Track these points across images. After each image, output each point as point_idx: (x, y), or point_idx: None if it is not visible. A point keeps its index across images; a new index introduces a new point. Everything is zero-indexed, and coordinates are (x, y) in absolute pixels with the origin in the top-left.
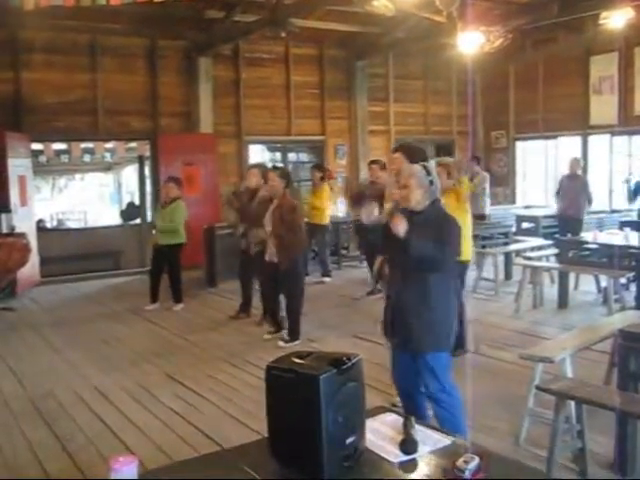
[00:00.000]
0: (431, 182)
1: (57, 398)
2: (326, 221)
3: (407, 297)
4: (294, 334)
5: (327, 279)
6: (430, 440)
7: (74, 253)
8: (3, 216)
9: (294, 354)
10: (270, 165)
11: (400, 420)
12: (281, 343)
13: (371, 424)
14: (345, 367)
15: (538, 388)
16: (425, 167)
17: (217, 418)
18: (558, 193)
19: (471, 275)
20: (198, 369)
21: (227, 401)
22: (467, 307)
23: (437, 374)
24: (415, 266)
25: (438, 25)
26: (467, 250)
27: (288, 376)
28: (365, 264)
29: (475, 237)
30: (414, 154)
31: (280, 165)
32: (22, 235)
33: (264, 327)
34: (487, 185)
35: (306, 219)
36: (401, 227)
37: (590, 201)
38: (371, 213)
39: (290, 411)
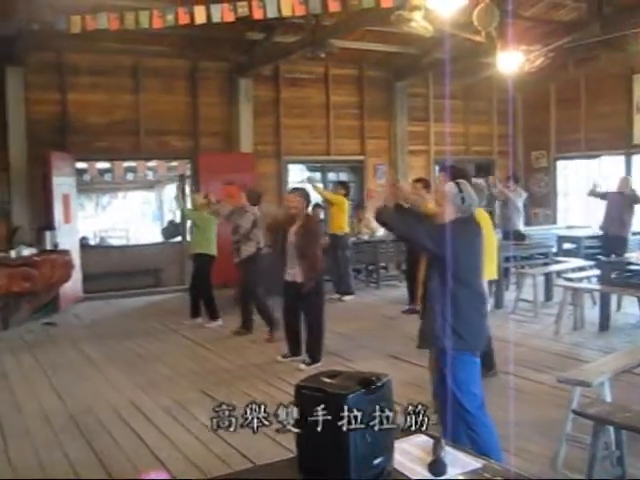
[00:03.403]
0: (462, 200)
1: (95, 414)
2: (345, 231)
3: (426, 302)
4: (316, 356)
5: (348, 297)
6: (460, 462)
7: (116, 270)
8: (47, 233)
9: (324, 373)
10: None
11: (430, 441)
12: (302, 366)
13: (400, 445)
14: (374, 387)
15: (575, 412)
16: (458, 185)
17: (251, 435)
18: (602, 195)
19: (510, 296)
20: (233, 386)
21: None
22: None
23: (450, 382)
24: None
25: (478, 45)
26: (490, 269)
27: (317, 395)
28: (405, 284)
29: (514, 258)
30: (454, 175)
31: (300, 186)
32: (65, 252)
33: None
34: (520, 202)
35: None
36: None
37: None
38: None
39: (319, 433)
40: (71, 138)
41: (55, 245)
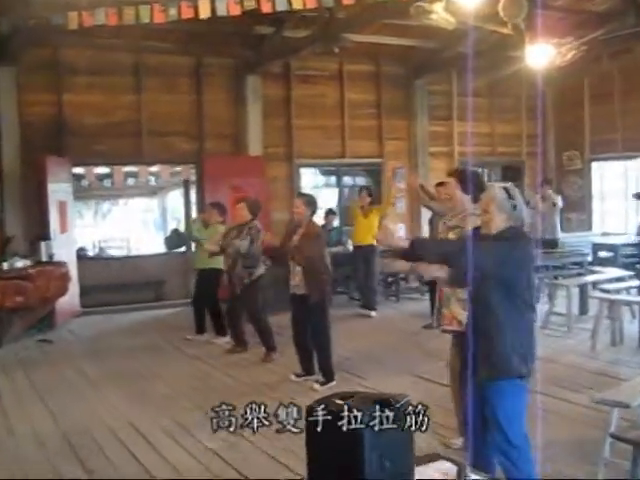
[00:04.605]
0: (514, 206)
1: (92, 436)
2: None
3: (473, 323)
4: (329, 374)
5: (373, 313)
6: None
7: (115, 283)
8: (42, 244)
9: (337, 395)
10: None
11: (454, 469)
12: (316, 386)
13: (424, 471)
14: (392, 409)
15: (613, 436)
16: (507, 190)
17: (257, 458)
18: None
19: (542, 309)
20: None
21: (268, 441)
22: None
23: (499, 414)
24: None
25: (504, 38)
26: None
27: (329, 418)
28: (427, 296)
29: (546, 267)
30: (467, 179)
31: (306, 192)
32: (61, 264)
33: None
34: (558, 207)
35: (352, 242)
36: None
37: None
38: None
39: (331, 456)
40: (68, 142)
41: (50, 256)
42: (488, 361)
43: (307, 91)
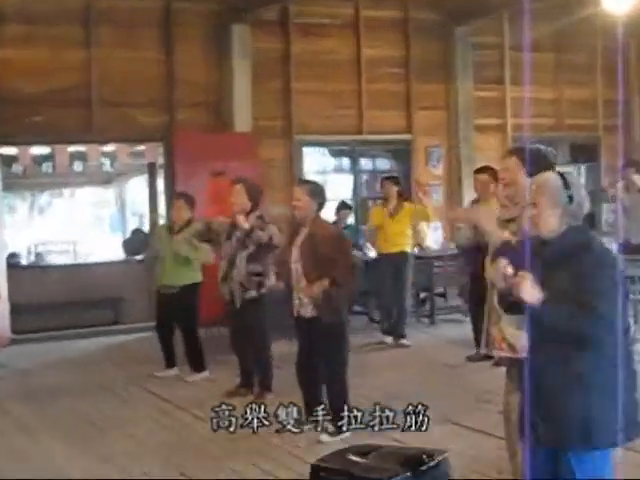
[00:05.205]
0: (570, 199)
1: None
2: (409, 249)
3: (549, 371)
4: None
5: (406, 341)
6: None
7: (59, 300)
8: None
9: (353, 449)
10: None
11: None
12: (324, 437)
13: None
14: (424, 469)
15: None
16: (563, 177)
17: None
18: None
19: None
20: (220, 464)
21: None
22: None
23: None
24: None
25: None
26: None
27: None
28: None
29: (631, 279)
30: (534, 160)
31: (309, 179)
32: None
33: None
34: None
35: (377, 250)
36: (527, 293)
37: None
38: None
39: None
40: None
41: None
42: (562, 425)
43: (311, 45)
